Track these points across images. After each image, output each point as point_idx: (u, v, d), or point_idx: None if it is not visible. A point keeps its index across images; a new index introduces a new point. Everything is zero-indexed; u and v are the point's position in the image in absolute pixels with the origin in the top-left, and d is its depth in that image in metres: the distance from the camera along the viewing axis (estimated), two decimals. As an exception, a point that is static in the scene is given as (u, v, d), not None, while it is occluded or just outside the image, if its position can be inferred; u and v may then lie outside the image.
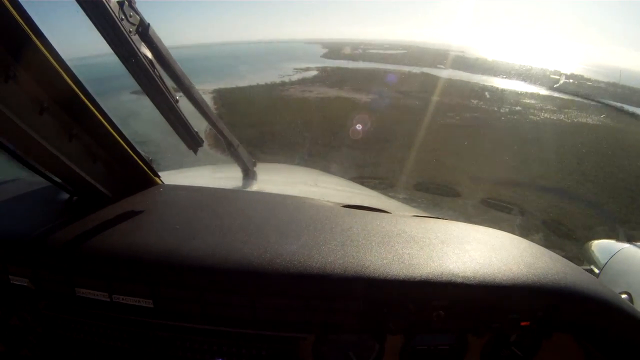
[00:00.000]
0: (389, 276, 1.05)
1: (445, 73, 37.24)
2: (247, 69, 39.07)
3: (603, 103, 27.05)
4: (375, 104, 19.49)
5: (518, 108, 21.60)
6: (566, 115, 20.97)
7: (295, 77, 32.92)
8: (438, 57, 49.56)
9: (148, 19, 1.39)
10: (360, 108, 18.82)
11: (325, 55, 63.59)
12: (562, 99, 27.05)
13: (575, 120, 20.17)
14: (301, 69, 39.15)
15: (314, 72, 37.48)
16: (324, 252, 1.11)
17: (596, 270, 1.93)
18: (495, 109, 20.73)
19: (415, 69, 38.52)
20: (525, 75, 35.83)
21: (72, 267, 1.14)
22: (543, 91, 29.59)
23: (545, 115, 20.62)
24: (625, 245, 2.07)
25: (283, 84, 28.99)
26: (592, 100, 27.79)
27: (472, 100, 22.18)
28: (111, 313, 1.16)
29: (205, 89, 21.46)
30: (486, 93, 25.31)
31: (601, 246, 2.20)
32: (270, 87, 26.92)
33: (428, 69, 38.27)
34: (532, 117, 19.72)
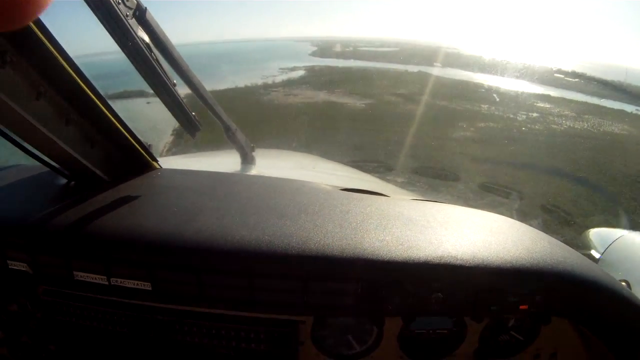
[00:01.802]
0: (388, 258, 1.05)
1: (444, 72, 34.67)
2: (229, 69, 36.46)
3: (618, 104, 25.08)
4: (372, 112, 16.67)
5: (535, 115, 19.17)
6: (589, 124, 18.64)
7: (280, 78, 30.16)
8: (433, 55, 47.41)
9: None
10: (353, 118, 15.91)
11: (314, 54, 61.28)
12: (577, 101, 24.93)
13: (601, 129, 17.83)
14: (288, 69, 36.51)
15: (302, 72, 34.81)
16: (323, 234, 1.10)
17: (595, 257, 1.94)
18: (511, 115, 18.24)
19: (411, 68, 36.07)
20: (527, 74, 33.74)
21: (70, 250, 1.15)
22: (553, 92, 27.37)
23: (568, 123, 18.25)
24: (624, 233, 2.13)
25: (265, 86, 26.29)
26: (606, 100, 25.91)
27: (482, 105, 19.68)
28: (110, 297, 1.19)
29: (176, 92, 18.64)
30: (494, 95, 22.99)
31: (599, 234, 2.26)
32: (251, 91, 24.17)
33: (425, 68, 35.91)
34: (554, 126, 17.29)
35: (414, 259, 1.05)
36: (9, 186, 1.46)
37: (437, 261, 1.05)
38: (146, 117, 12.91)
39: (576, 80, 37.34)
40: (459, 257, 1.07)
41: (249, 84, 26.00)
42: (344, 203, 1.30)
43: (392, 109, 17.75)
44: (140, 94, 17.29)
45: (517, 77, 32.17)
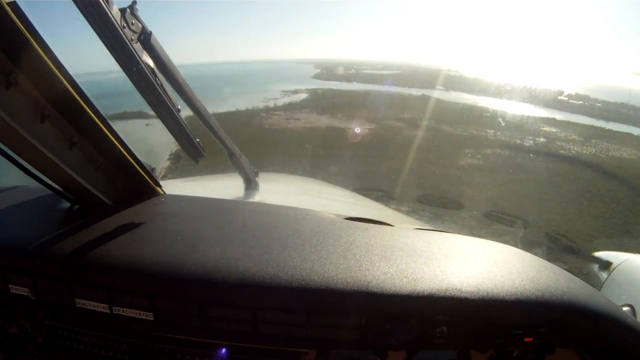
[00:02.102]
0: (392, 291, 1.04)
1: (447, 96, 34.45)
2: (231, 92, 36.07)
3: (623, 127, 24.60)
4: (376, 138, 16.27)
5: (542, 140, 18.86)
6: (597, 149, 18.26)
7: (282, 101, 29.78)
8: (435, 78, 47.27)
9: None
10: (356, 144, 15.60)
11: (316, 76, 61.05)
12: (583, 125, 24.54)
13: (610, 154, 17.46)
14: (290, 92, 36.19)
15: (304, 95, 34.49)
16: (326, 266, 1.10)
17: (600, 281, 1.95)
18: (518, 141, 17.84)
19: (414, 91, 35.73)
20: (530, 97, 33.83)
21: (73, 277, 1.14)
22: (558, 115, 27.17)
23: (576, 148, 17.93)
24: (628, 257, 2.10)
25: (267, 109, 25.92)
26: (613, 123, 25.65)
27: (488, 130, 19.30)
28: (112, 324, 1.17)
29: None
30: (499, 120, 22.74)
31: (604, 258, 2.20)
32: (251, 114, 23.76)
33: (428, 91, 35.70)
34: (562, 152, 16.91)
35: (419, 292, 1.03)
36: (12, 208, 1.45)
37: (442, 294, 1.03)
38: (144, 140, 12.59)
39: (580, 102, 37.17)
40: (463, 290, 1.05)
41: (250, 107, 25.67)
42: (348, 233, 1.29)
43: (395, 135, 17.38)
44: (140, 115, 17.08)
45: (521, 100, 32.16)
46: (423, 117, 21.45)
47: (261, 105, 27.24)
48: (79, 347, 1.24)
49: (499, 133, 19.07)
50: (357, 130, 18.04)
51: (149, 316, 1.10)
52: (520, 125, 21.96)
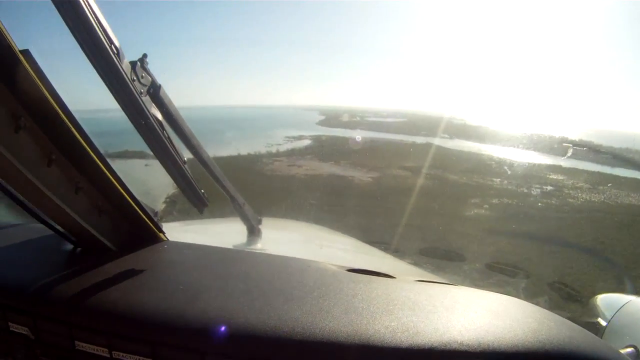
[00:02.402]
0: (393, 345, 1.04)
1: (452, 143, 34.61)
2: (234, 135, 36.48)
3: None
4: (378, 187, 16.10)
5: (549, 188, 18.89)
6: (606, 196, 18.43)
7: (285, 147, 30.05)
8: (440, 126, 47.57)
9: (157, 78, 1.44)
10: (358, 194, 15.51)
11: (321, 123, 61.96)
12: (589, 171, 24.58)
13: (619, 201, 17.59)
14: (293, 137, 36.68)
15: (307, 142, 34.87)
16: (328, 320, 1.09)
17: (603, 324, 1.93)
18: (525, 190, 17.82)
19: (419, 139, 35.97)
20: (534, 144, 33.79)
21: (74, 320, 1.15)
22: (562, 162, 26.93)
23: (584, 196, 18.07)
24: (632, 299, 2.10)
25: (269, 154, 26.21)
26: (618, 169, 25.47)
27: (494, 179, 19.23)
28: None
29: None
30: (505, 167, 22.69)
31: (608, 300, 2.25)
32: (253, 159, 23.95)
33: (432, 139, 35.60)
34: (571, 200, 16.90)
35: (420, 346, 1.03)
36: (15, 246, 1.47)
37: (443, 348, 1.02)
38: (142, 181, 12.40)
39: (585, 149, 37.19)
40: (464, 343, 1.03)
41: (252, 152, 25.89)
42: (349, 286, 1.28)
43: (400, 184, 17.25)
44: (141, 155, 17.01)
45: (526, 148, 32.14)
46: (428, 165, 21.46)
47: (264, 150, 27.48)
48: None
49: (505, 182, 18.98)
50: (360, 178, 17.99)
51: None
52: (526, 173, 21.88)
